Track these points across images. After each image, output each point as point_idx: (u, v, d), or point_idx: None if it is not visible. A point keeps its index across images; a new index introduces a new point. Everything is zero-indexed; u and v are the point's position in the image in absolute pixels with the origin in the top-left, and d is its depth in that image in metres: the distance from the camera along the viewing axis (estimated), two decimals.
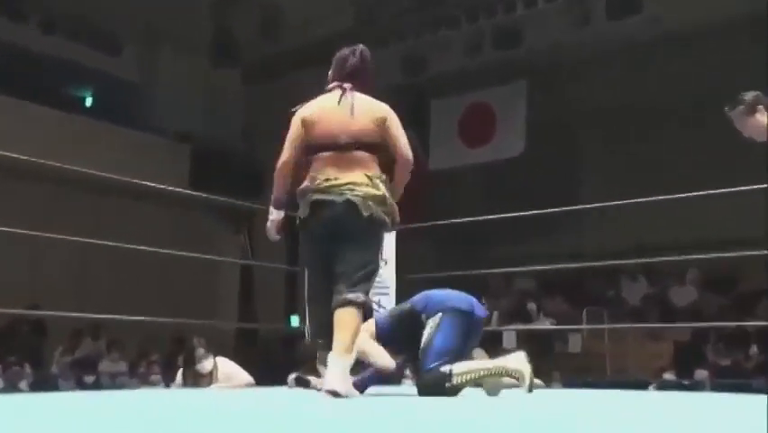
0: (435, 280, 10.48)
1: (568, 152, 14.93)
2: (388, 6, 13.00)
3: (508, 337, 11.65)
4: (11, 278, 9.03)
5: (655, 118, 13.16)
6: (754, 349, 11.05)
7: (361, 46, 4.90)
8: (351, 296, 4.20)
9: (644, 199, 6.98)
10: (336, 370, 4.06)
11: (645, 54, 13.24)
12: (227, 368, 8.21)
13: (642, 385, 9.72)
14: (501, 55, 13.55)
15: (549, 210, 8.13)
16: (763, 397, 4.18)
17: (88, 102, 15.20)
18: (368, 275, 4.40)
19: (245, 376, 8.25)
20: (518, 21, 13.07)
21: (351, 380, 4.22)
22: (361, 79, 4.67)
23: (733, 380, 10.01)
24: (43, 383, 10.19)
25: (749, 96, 5.72)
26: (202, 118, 15.36)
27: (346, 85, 4.60)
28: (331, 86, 4.69)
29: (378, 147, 4.43)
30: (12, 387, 9.93)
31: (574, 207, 9.47)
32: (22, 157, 6.14)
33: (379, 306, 7.36)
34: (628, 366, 11.31)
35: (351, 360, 4.18)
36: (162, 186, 7.87)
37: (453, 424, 2.69)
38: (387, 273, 7.35)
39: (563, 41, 13.46)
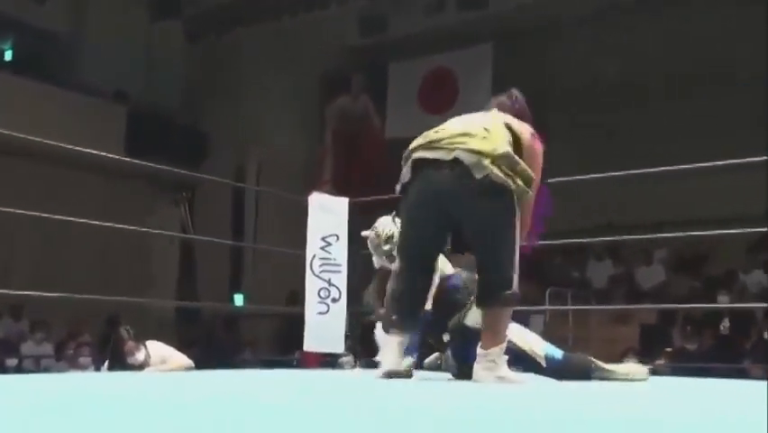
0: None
1: (536, 122, 15.17)
2: None
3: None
4: None
5: (628, 91, 13.34)
6: (726, 323, 11.52)
7: (515, 91, 4.59)
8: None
9: (611, 174, 7.36)
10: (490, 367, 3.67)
11: (618, 21, 13.48)
12: (161, 351, 8.12)
13: None
14: (465, 16, 13.77)
15: None
16: (720, 380, 4.52)
17: (8, 56, 15.14)
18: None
19: (182, 359, 8.13)
20: None
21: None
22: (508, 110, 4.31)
23: (696, 364, 10.43)
24: None
25: None
26: (139, 76, 15.40)
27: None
28: None
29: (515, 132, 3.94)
30: None
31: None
32: None
33: (330, 284, 7.59)
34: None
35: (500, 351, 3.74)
36: (94, 151, 7.95)
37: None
38: (338, 250, 7.57)
39: (533, 3, 13.73)
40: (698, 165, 7.02)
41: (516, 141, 3.90)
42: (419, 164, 3.80)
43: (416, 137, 12.28)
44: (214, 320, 14.99)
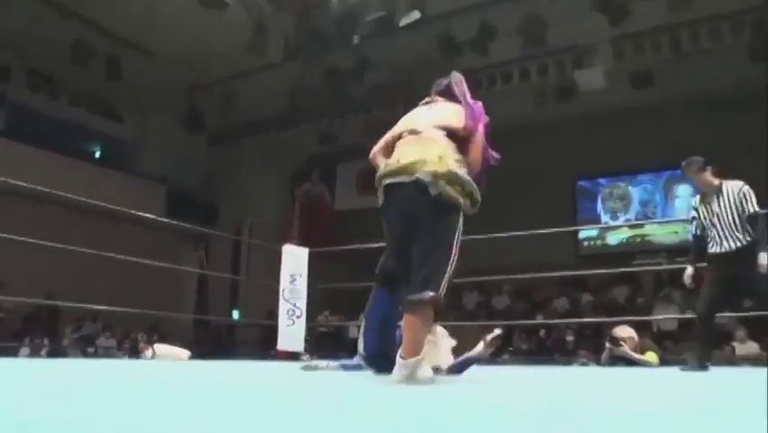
0: (334, 289, 10.81)
1: None
2: (312, 97, 13.20)
3: None
4: (36, 274, 9.03)
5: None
6: (543, 331, 11.74)
7: (455, 74, 3.85)
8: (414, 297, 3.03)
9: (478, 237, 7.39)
10: (404, 372, 2.92)
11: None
12: (165, 350, 8.47)
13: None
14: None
15: None
16: (543, 367, 4.54)
17: (97, 154, 15.16)
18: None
19: (181, 352, 8.39)
20: (397, 114, 13.32)
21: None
22: (449, 95, 3.69)
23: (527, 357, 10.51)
24: (57, 352, 10.16)
25: (698, 159, 5.49)
26: (176, 168, 15.28)
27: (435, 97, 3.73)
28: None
29: (455, 132, 3.33)
30: (35, 354, 10.01)
31: None
32: (58, 192, 6.36)
33: (295, 306, 7.52)
34: (466, 351, 11.65)
35: (418, 359, 2.96)
36: (144, 214, 7.94)
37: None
38: (301, 283, 7.52)
39: None
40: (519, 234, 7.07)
41: (461, 139, 3.33)
42: (389, 189, 3.25)
43: (354, 210, 12.00)
44: (219, 328, 14.87)
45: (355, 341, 4.28)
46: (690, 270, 5.48)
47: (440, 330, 3.82)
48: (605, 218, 14.69)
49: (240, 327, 14.96)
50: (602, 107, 12.49)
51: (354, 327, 11.53)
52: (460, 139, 3.30)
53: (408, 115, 3.63)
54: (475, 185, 3.21)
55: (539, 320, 11.58)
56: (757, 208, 5.21)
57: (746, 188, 5.31)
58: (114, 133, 14.81)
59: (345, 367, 4.26)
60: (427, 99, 3.72)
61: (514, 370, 4.62)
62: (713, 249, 5.33)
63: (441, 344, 3.78)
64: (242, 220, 15.22)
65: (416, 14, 10.59)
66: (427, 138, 3.28)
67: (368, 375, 3.74)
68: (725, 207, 5.29)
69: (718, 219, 5.31)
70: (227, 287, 15.16)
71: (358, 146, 14.63)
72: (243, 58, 11.68)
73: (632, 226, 14.46)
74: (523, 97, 12.56)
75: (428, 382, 2.96)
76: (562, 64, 11.84)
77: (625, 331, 6.78)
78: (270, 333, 7.91)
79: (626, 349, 6.58)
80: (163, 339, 10.93)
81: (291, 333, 7.46)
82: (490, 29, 10.94)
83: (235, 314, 14.78)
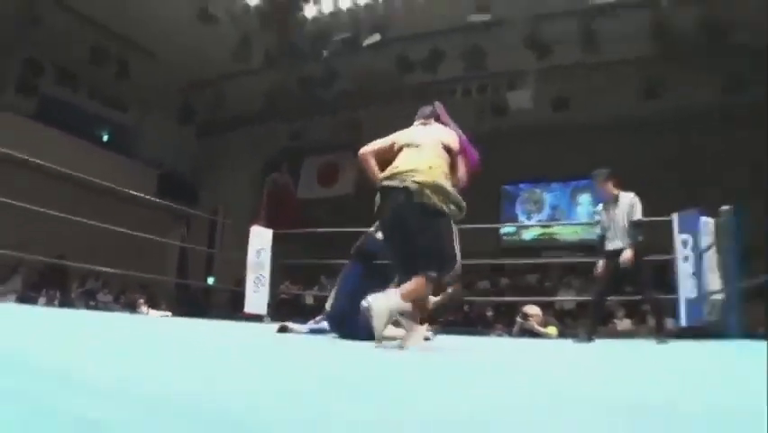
0: (298, 264, 10.85)
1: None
2: (286, 99, 13.17)
3: None
4: (50, 238, 8.95)
5: None
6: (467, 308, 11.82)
7: (437, 104, 3.81)
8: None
9: None
10: (389, 302, 2.87)
11: None
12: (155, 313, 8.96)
13: None
14: (348, 137, 13.77)
15: (363, 229, 8.63)
16: (469, 337, 4.71)
17: (105, 138, 14.90)
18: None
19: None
20: (359, 117, 13.34)
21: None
22: (437, 120, 3.69)
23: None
24: (66, 304, 10.24)
25: (605, 171, 5.61)
26: (168, 154, 15.15)
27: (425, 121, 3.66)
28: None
29: (450, 149, 3.34)
30: (50, 303, 10.13)
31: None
32: (71, 172, 6.35)
33: (260, 276, 7.55)
34: None
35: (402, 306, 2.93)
36: (137, 193, 7.95)
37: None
38: (265, 257, 7.57)
39: (384, 131, 13.85)
40: None
41: (454, 155, 3.37)
42: (386, 190, 3.20)
43: (313, 199, 11.76)
44: (197, 291, 14.77)
45: (311, 307, 4.34)
46: (600, 262, 5.62)
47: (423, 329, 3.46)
48: (522, 218, 14.96)
49: (214, 291, 14.88)
50: (528, 124, 12.72)
51: (310, 295, 11.62)
52: (453, 155, 3.34)
53: (407, 131, 3.54)
54: (459, 196, 3.20)
55: (465, 298, 11.72)
56: (639, 217, 5.40)
57: (636, 199, 5.46)
58: (119, 122, 14.73)
59: (313, 331, 4.27)
60: (423, 121, 3.65)
61: (444, 338, 4.78)
62: (609, 246, 5.51)
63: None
64: (220, 202, 15.11)
65: (376, 37, 10.68)
66: (426, 150, 3.27)
67: (334, 339, 3.75)
68: (619, 213, 5.46)
69: (614, 223, 5.49)
70: (204, 258, 15.01)
71: (322, 144, 14.79)
72: (231, 63, 11.65)
73: (543, 226, 14.79)
74: (464, 111, 12.72)
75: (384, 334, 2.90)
76: (497, 86, 12.06)
77: (532, 309, 6.97)
78: (239, 297, 7.92)
79: (532, 324, 6.77)
80: (152, 298, 11.16)
81: (257, 298, 7.49)
82: (439, 53, 11.09)
83: (210, 280, 14.70)
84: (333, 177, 15.03)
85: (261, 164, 15.31)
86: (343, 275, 3.99)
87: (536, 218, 14.76)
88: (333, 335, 3.89)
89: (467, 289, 12.19)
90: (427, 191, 3.06)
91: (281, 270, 8.56)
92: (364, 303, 2.86)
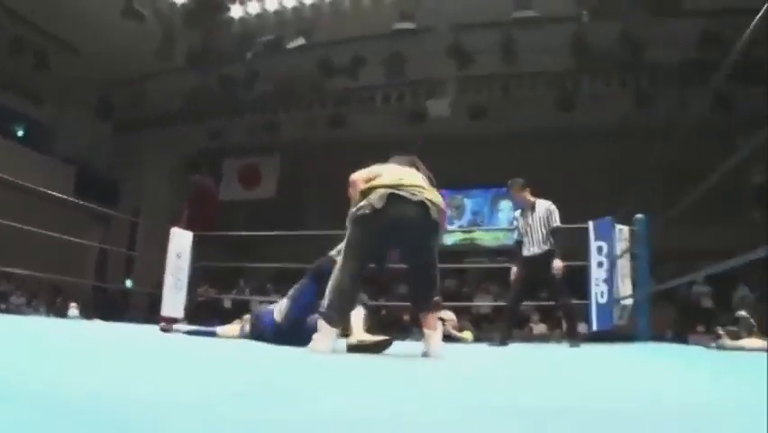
0: (217, 268, 10.56)
1: (298, 198, 15.18)
2: (204, 99, 12.88)
3: (254, 303, 11.17)
4: None
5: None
6: (383, 312, 11.76)
7: (415, 158, 3.61)
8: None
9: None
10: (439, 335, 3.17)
11: (346, 149, 13.71)
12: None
13: None
14: (267, 137, 13.67)
15: (285, 232, 8.51)
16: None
17: (20, 133, 14.20)
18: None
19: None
20: (278, 120, 13.32)
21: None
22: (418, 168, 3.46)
23: None
24: None
25: (520, 180, 5.70)
26: (87, 152, 14.56)
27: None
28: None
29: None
30: None
31: (298, 232, 9.77)
32: None
33: (179, 279, 7.30)
34: None
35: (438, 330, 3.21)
36: (57, 193, 7.57)
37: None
38: (184, 260, 7.32)
39: (303, 136, 13.80)
40: None
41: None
42: (391, 197, 3.00)
43: (236, 201, 11.35)
44: (115, 294, 14.38)
45: (229, 311, 4.30)
46: (514, 268, 5.70)
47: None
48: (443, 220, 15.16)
49: (132, 294, 14.39)
50: (446, 132, 12.89)
51: (228, 299, 11.36)
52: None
53: (394, 166, 3.36)
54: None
55: (381, 302, 11.68)
56: (558, 224, 5.51)
57: (553, 206, 5.58)
58: (35, 117, 14.12)
59: (192, 333, 4.36)
60: (411, 161, 3.48)
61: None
62: (525, 252, 5.59)
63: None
64: (139, 202, 14.61)
65: (300, 40, 10.56)
66: (416, 174, 3.24)
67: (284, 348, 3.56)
68: (536, 220, 5.55)
69: (531, 229, 5.57)
70: (123, 260, 14.49)
71: (240, 145, 14.57)
72: (153, 61, 11.28)
73: (464, 231, 15.02)
74: (383, 117, 12.81)
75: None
76: (416, 93, 12.16)
77: (447, 314, 7.03)
78: (157, 300, 7.63)
79: (448, 328, 6.83)
80: (66, 300, 10.84)
81: (174, 301, 7.25)
82: (361, 59, 11.08)
83: (128, 282, 14.20)
84: (255, 179, 14.84)
85: (180, 164, 14.91)
86: (299, 291, 3.94)
87: (458, 224, 14.96)
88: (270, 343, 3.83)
89: (386, 293, 12.23)
90: (434, 208, 3.04)
91: (200, 273, 8.31)
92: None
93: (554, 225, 5.51)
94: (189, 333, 4.39)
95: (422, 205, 3.02)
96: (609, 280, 6.24)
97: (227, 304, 11.25)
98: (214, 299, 11.40)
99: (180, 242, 7.42)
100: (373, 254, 3.15)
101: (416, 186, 3.08)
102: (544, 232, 5.52)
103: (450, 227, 15.04)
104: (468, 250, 14.55)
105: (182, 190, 13.68)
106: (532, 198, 5.70)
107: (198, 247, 7.60)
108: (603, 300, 6.22)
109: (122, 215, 13.17)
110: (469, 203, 15.21)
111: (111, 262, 14.41)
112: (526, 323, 10.03)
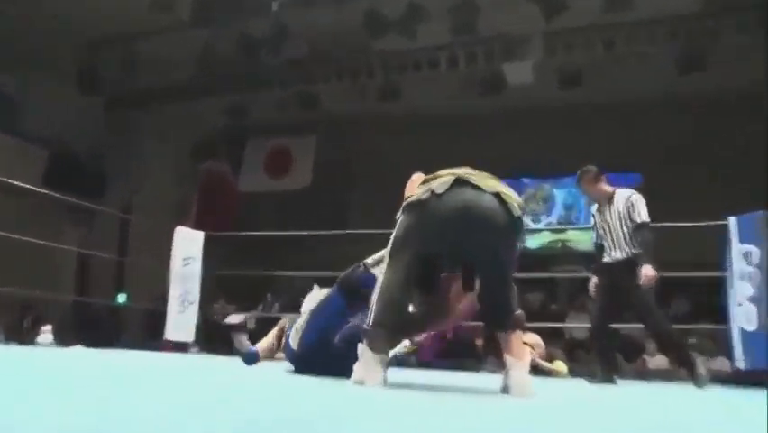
0: (233, 276, 10.73)
1: (340, 189, 15.34)
2: (222, 66, 13.03)
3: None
4: None
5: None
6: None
7: None
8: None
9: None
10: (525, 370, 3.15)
11: (402, 129, 13.84)
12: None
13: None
14: (301, 114, 13.76)
15: (323, 232, 8.65)
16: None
17: None
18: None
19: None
20: (316, 91, 13.31)
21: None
22: None
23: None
24: None
25: (592, 168, 5.76)
26: (64, 133, 14.60)
27: None
28: None
29: None
30: None
31: (340, 232, 9.87)
32: None
33: (187, 292, 7.46)
34: None
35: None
36: (18, 182, 7.68)
37: None
38: (194, 268, 7.49)
39: (347, 111, 13.90)
40: None
41: None
42: (457, 183, 3.04)
43: (258, 194, 11.45)
44: (101, 313, 14.53)
45: (251, 333, 4.39)
46: (594, 279, 5.75)
47: None
48: (525, 221, 15.02)
49: (125, 312, 14.70)
50: (530, 103, 12.84)
51: (252, 318, 11.56)
52: None
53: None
54: None
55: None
56: (644, 218, 5.48)
57: (635, 197, 5.60)
58: None
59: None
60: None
61: (421, 374, 4.80)
62: (606, 258, 5.64)
63: None
64: (135, 196, 14.92)
65: None
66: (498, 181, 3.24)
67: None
68: (615, 217, 5.59)
69: (609, 228, 5.63)
70: (112, 268, 14.80)
71: (269, 123, 14.73)
72: (148, 17, 11.45)
73: (554, 231, 14.90)
74: (447, 86, 12.82)
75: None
76: (491, 54, 12.10)
77: (532, 339, 7.04)
78: (159, 320, 7.87)
79: (534, 357, 6.83)
80: (38, 321, 10.81)
81: (182, 321, 7.45)
82: (420, 10, 11.04)
83: (121, 297, 14.50)
84: (285, 166, 15.01)
85: (190, 148, 15.21)
86: (320, 307, 4.11)
87: (545, 222, 14.85)
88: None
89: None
90: (517, 206, 3.14)
91: (215, 284, 8.55)
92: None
93: (637, 219, 5.48)
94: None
95: (498, 197, 3.06)
96: (761, 300, 6.03)
97: (250, 324, 11.42)
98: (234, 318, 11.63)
99: (188, 245, 7.63)
100: (429, 253, 3.13)
101: (488, 178, 3.16)
102: (626, 231, 5.52)
103: (533, 226, 14.96)
104: (558, 255, 14.46)
105: (190, 180, 14.03)
106: (609, 189, 5.71)
107: (212, 251, 7.78)
108: (752, 327, 6.04)
109: (109, 210, 13.43)
110: (559, 194, 15.10)
111: (96, 270, 14.70)
112: (639, 354, 9.90)
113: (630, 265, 5.41)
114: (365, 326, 3.09)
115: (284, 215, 13.73)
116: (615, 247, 5.57)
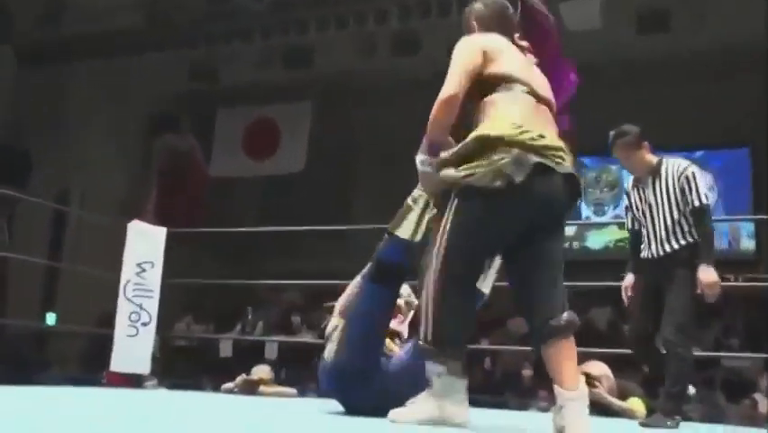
0: (202, 287, 10.67)
1: (343, 172, 15.41)
2: (183, 12, 13.00)
3: (270, 348, 11.14)
4: None
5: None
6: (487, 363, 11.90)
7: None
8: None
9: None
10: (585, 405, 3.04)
11: (424, 90, 13.65)
12: None
13: None
14: (290, 74, 13.76)
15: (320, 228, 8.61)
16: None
17: None
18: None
19: None
20: (309, 43, 13.33)
21: None
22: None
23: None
24: None
25: (632, 129, 5.41)
26: None
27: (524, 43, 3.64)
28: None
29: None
30: None
31: (341, 228, 9.86)
32: None
33: (141, 308, 7.41)
34: None
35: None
36: None
37: None
38: (152, 276, 7.42)
39: (350, 68, 13.84)
40: None
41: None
42: (534, 172, 3.03)
43: (238, 178, 11.53)
44: (22, 338, 14.54)
45: (224, 362, 4.42)
46: (629, 278, 5.51)
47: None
48: (586, 213, 14.98)
49: (56, 337, 14.71)
50: (594, 56, 12.73)
51: (227, 340, 11.52)
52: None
53: (511, 52, 3.49)
54: None
55: (484, 345, 11.60)
56: (704, 201, 5.11)
57: (691, 169, 5.25)
58: None
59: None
60: (517, 37, 3.64)
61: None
62: (643, 252, 5.36)
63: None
64: (70, 181, 14.91)
65: None
66: (548, 113, 3.39)
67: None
68: (661, 195, 5.28)
69: (652, 211, 5.32)
70: (40, 277, 14.82)
71: (245, 85, 14.67)
72: None
73: (623, 225, 14.77)
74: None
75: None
76: None
77: (597, 368, 6.92)
78: (102, 347, 7.83)
79: (601, 392, 6.71)
80: None
81: (133, 347, 7.40)
82: None
83: (50, 318, 14.49)
84: (272, 143, 14.96)
85: (141, 119, 15.18)
86: (353, 307, 4.13)
87: (610, 214, 14.71)
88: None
89: (489, 329, 12.10)
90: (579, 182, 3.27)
91: (180, 296, 8.53)
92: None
93: (696, 202, 5.11)
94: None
95: (569, 179, 3.16)
96: None
97: (224, 352, 11.31)
98: (205, 341, 11.59)
99: (145, 244, 7.57)
100: (493, 254, 3.33)
101: (559, 149, 3.18)
102: (676, 216, 5.18)
103: (597, 219, 14.88)
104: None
105: (144, 161, 13.96)
106: (654, 159, 5.44)
107: (176, 253, 7.74)
108: None
109: (36, 200, 13.39)
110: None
111: (17, 281, 14.71)
112: (747, 392, 9.72)
113: (678, 261, 5.06)
114: (427, 344, 3.10)
115: (269, 207, 13.75)
116: (656, 238, 5.24)
